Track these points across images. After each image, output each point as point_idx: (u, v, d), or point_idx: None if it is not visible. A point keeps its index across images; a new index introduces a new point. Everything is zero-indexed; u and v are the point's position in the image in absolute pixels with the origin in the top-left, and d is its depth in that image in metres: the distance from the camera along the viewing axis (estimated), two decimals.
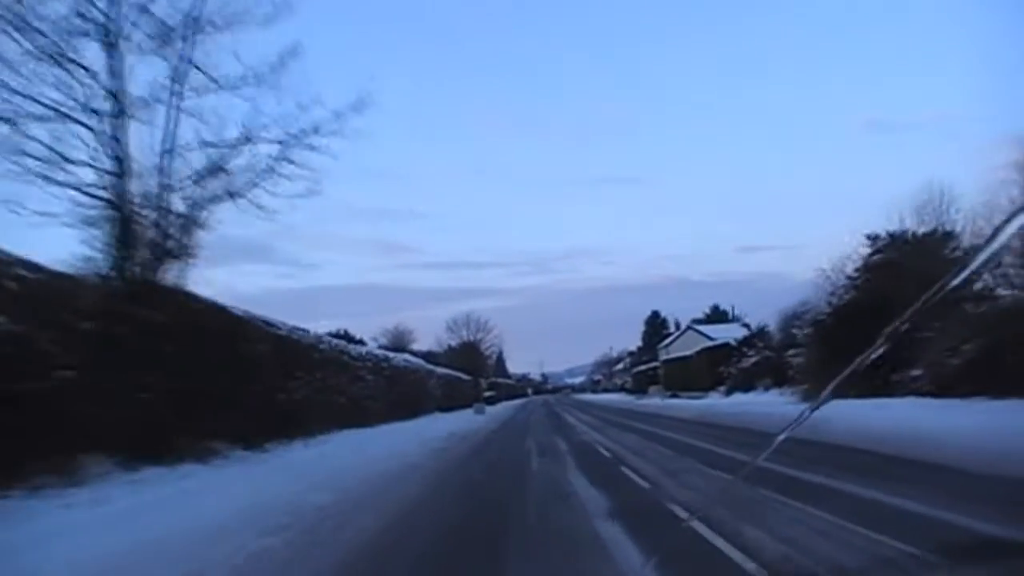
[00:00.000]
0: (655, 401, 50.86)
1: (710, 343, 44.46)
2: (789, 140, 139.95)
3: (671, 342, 60.27)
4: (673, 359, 53.50)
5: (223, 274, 38.03)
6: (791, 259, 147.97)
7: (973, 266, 1.76)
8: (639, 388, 68.30)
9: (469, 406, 55.59)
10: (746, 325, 60.53)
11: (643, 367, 69.38)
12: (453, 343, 70.90)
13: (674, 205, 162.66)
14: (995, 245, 1.67)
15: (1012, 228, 1.62)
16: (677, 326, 71.48)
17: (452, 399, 49.56)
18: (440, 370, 51.95)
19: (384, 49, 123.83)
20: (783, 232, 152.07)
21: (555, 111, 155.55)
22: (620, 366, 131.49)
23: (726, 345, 40.19)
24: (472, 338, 67.67)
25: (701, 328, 59.41)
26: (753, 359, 36.23)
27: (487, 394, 78.12)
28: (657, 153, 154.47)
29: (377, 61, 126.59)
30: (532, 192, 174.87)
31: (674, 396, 49.81)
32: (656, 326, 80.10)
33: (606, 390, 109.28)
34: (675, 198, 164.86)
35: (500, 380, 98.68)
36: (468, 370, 65.74)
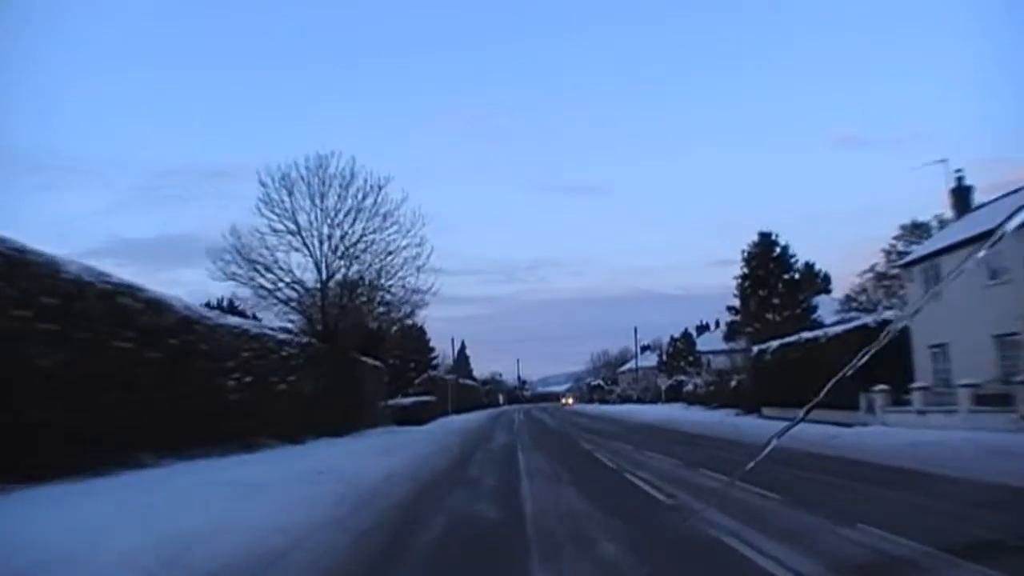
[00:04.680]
0: None
1: None
2: (762, 154, 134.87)
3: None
4: None
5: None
6: None
7: (970, 265, 2.08)
8: (765, 395, 25.68)
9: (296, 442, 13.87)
10: None
11: (788, 340, 26.45)
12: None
13: (644, 218, 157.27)
14: (990, 244, 1.88)
15: (1009, 228, 1.85)
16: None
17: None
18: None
19: (353, 54, 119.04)
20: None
21: (523, 118, 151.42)
22: (630, 365, 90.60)
23: None
24: (340, 212, 22.87)
25: None
26: None
27: (394, 402, 35.19)
28: (627, 164, 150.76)
29: (345, 65, 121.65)
30: (499, 199, 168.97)
31: None
32: (767, 262, 37.96)
33: (626, 399, 66.39)
34: (646, 210, 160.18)
35: (447, 377, 55.55)
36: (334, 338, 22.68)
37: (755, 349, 28.73)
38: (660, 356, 66.89)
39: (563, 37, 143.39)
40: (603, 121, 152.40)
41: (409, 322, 34.29)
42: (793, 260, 38.49)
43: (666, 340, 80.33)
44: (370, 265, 22.99)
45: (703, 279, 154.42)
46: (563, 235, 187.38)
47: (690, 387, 44.45)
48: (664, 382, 53.21)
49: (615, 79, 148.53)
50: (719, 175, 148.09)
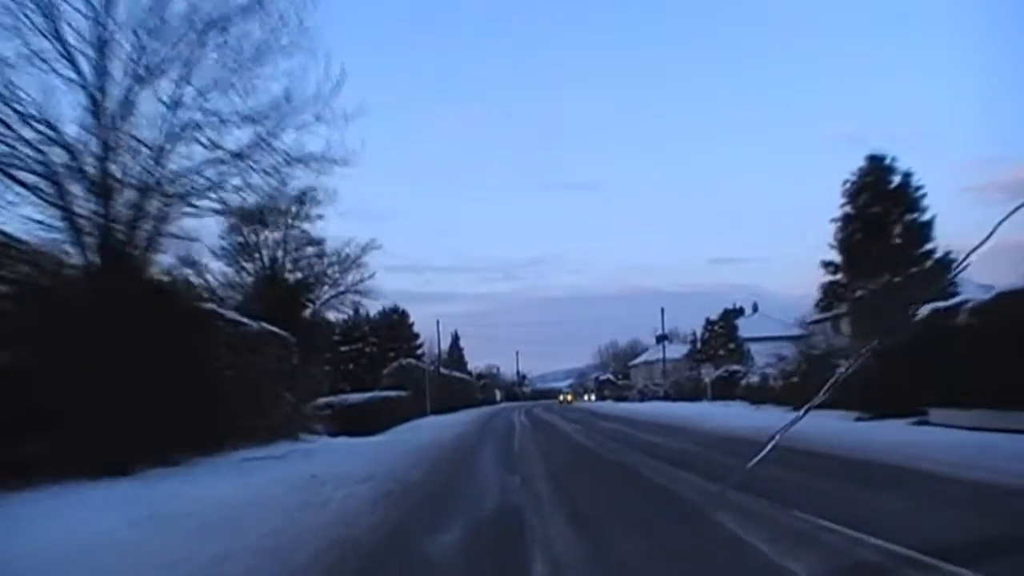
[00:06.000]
0: None
1: None
2: (761, 150, 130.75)
3: None
4: None
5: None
6: (762, 272, 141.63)
7: (968, 264, 2.14)
8: (939, 388, 14.36)
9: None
10: None
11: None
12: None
13: (643, 215, 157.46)
14: (989, 244, 2.02)
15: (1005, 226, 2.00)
16: None
17: None
18: None
19: (350, 48, 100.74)
20: (754, 244, 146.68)
21: (522, 114, 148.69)
22: (644, 357, 79.40)
23: None
24: None
25: None
26: None
27: (333, 399, 23.42)
28: (626, 161, 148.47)
29: (344, 62, 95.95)
30: (498, 197, 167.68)
31: None
32: (880, 197, 25.74)
33: (647, 396, 54.30)
34: (644, 208, 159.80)
35: (424, 365, 43.83)
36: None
37: (924, 310, 16.97)
38: (693, 344, 54.98)
39: (561, 34, 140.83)
40: (602, 118, 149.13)
41: (364, 278, 22.75)
42: (920, 194, 26.56)
43: (681, 331, 68.93)
44: (200, 100, 11.10)
45: (703, 277, 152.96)
46: (562, 232, 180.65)
47: (755, 379, 32.59)
48: (710, 373, 41.32)
49: (613, 76, 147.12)
50: (718, 172, 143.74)
